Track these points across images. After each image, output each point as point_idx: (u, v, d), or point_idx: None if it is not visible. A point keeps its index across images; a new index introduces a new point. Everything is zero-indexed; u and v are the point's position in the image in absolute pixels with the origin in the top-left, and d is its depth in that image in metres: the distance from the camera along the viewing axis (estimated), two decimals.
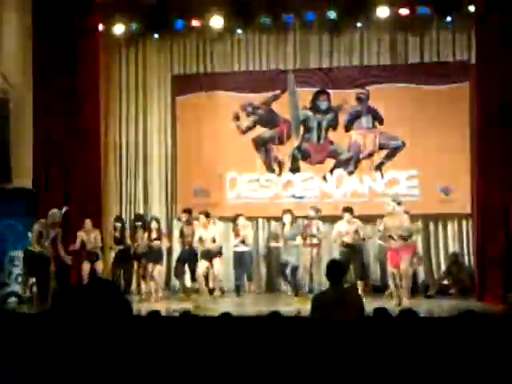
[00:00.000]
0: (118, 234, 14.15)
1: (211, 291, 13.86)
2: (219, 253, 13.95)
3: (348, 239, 13.51)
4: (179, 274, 14.33)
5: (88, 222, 13.65)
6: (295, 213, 14.25)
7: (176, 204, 15.58)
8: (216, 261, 13.82)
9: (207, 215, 14.03)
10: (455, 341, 4.70)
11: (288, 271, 13.77)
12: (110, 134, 15.94)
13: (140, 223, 14.20)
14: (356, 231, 13.56)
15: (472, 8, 13.98)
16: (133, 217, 15.33)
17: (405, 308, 6.14)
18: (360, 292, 12.80)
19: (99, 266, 13.64)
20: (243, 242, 14.15)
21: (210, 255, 13.77)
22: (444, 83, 14.75)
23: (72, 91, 14.27)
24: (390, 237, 12.37)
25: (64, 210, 12.99)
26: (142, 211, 15.75)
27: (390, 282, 12.55)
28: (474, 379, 4.80)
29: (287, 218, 13.99)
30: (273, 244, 14.58)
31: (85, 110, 14.53)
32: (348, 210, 13.79)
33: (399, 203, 12.57)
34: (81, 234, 13.58)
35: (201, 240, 13.74)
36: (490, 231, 13.12)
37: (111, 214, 15.43)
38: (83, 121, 14.43)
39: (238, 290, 14.24)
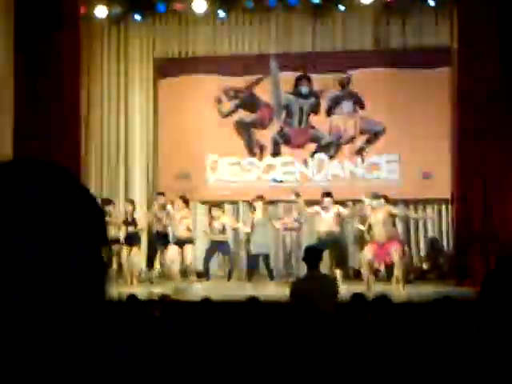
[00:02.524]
0: (129, 217, 13.94)
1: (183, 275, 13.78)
2: (191, 240, 13.80)
3: (324, 227, 13.24)
4: (152, 260, 14.19)
5: None
6: (275, 197, 14.26)
7: (157, 188, 15.55)
8: (187, 248, 13.66)
9: (185, 200, 13.92)
10: (431, 327, 4.75)
11: (261, 262, 13.66)
12: (91, 117, 15.88)
13: (110, 207, 14.05)
14: (337, 216, 13.39)
15: None
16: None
17: (379, 294, 6.20)
18: (339, 279, 12.79)
19: None
20: (220, 231, 13.90)
21: (181, 242, 13.63)
22: (426, 68, 14.79)
23: (53, 74, 14.17)
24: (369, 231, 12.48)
25: None
26: (122, 195, 15.72)
27: (365, 270, 12.47)
28: (452, 365, 4.86)
29: (258, 204, 13.76)
30: (239, 227, 14.46)
31: (66, 93, 14.42)
32: (327, 194, 13.50)
33: (376, 197, 12.60)
34: None
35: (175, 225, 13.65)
36: (469, 216, 13.21)
37: None
38: (64, 104, 14.33)
39: (207, 273, 14.07)
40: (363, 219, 13.55)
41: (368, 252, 12.49)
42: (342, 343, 5.42)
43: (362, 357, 4.53)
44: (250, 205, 14.15)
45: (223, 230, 13.85)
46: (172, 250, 13.65)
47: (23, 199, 1.05)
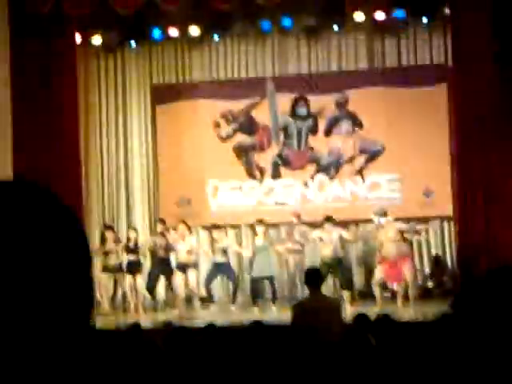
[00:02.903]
0: (131, 244, 13.88)
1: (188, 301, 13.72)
2: (194, 265, 13.75)
3: (328, 251, 13.17)
4: (151, 287, 13.96)
5: None
6: (277, 220, 14.24)
7: (158, 214, 15.52)
8: (191, 272, 13.61)
9: (187, 225, 13.86)
10: (433, 345, 4.71)
11: (263, 285, 13.59)
12: (90, 145, 15.89)
13: (110, 233, 14.03)
14: (339, 240, 13.30)
15: (447, 10, 14.06)
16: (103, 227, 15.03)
17: (381, 314, 6.17)
18: (347, 301, 12.75)
19: None
20: (223, 252, 13.83)
21: (184, 267, 13.57)
22: (422, 86, 14.81)
23: (50, 103, 14.21)
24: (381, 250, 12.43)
25: None
26: (124, 222, 15.72)
27: (377, 292, 12.42)
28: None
29: (260, 228, 13.68)
30: (241, 250, 14.43)
31: (64, 121, 14.45)
32: (329, 219, 13.42)
33: (383, 214, 12.55)
34: None
35: (177, 251, 13.61)
36: (472, 232, 13.17)
37: (93, 225, 15.41)
38: (62, 133, 14.34)
39: (211, 297, 14.00)
40: (373, 239, 13.54)
41: (379, 272, 12.42)
42: (345, 366, 5.39)
43: (365, 378, 4.51)
44: (252, 229, 14.11)
45: (225, 252, 13.80)
46: (177, 276, 13.60)
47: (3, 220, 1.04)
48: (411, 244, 14.48)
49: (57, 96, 14.31)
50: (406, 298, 12.76)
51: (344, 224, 13.98)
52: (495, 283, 1.47)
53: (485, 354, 1.46)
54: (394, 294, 13.14)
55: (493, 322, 1.42)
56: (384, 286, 13.77)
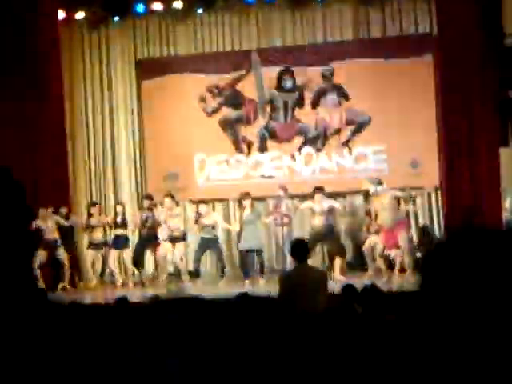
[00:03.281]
0: (119, 219, 13.83)
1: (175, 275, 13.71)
2: (183, 238, 13.78)
3: (319, 221, 13.21)
4: (139, 262, 13.99)
5: (42, 210, 13.28)
6: (264, 193, 14.21)
7: (146, 189, 15.49)
8: (179, 245, 13.62)
9: (172, 197, 13.81)
10: (419, 316, 4.71)
11: (254, 258, 13.53)
12: (75, 121, 15.82)
13: (95, 209, 13.98)
14: (329, 211, 13.31)
15: None
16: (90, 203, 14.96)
17: (368, 284, 6.17)
18: (338, 270, 12.78)
19: (61, 253, 13.42)
20: (210, 228, 13.75)
21: (172, 239, 13.58)
22: (408, 56, 14.77)
23: (35, 80, 14.12)
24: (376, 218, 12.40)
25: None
26: (112, 198, 15.69)
27: (381, 264, 12.42)
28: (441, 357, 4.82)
29: (247, 202, 13.60)
30: (229, 227, 14.38)
31: (49, 98, 14.39)
32: (319, 189, 13.46)
33: (379, 183, 12.49)
34: (36, 223, 13.34)
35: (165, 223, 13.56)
36: (459, 203, 13.20)
37: (81, 200, 15.38)
38: (48, 109, 14.29)
39: (198, 271, 13.95)
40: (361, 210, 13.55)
41: (379, 242, 12.38)
42: (331, 338, 5.38)
43: (349, 350, 4.50)
44: (239, 202, 14.05)
45: (212, 227, 13.76)
46: (163, 248, 13.56)
47: None
48: (406, 212, 14.39)
49: (41, 72, 14.22)
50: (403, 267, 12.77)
51: (332, 196, 13.96)
52: (457, 243, 1.46)
53: (455, 314, 1.45)
54: (391, 264, 13.08)
55: (457, 282, 1.41)
56: (374, 257, 13.79)
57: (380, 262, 12.54)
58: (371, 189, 12.62)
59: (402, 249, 12.28)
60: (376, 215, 12.73)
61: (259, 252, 13.48)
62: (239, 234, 13.90)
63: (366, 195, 14.32)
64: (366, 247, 12.96)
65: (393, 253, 12.83)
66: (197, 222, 13.79)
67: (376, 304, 5.62)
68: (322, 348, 5.08)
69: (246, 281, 13.15)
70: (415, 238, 14.79)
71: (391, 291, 10.65)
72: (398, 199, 12.73)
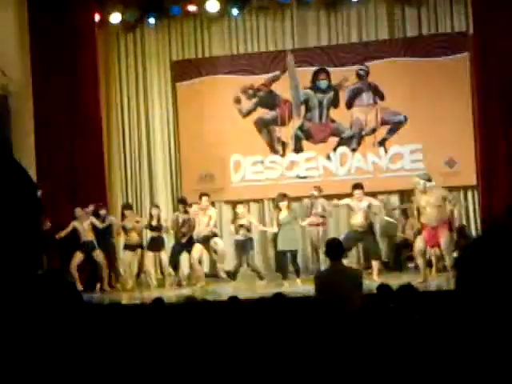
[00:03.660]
0: (154, 221, 13.82)
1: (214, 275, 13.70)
2: (213, 237, 13.66)
3: (358, 220, 13.02)
4: (175, 264, 13.97)
5: (78, 210, 13.47)
6: (299, 193, 14.17)
7: (181, 190, 15.54)
8: (214, 242, 13.57)
9: (206, 196, 13.67)
10: (453, 314, 4.69)
11: (289, 259, 13.43)
12: (111, 123, 15.95)
13: (129, 211, 14.06)
14: (367, 209, 13.14)
15: None
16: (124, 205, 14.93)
17: (404, 284, 6.14)
18: (375, 271, 12.69)
19: (96, 254, 13.52)
20: (245, 229, 13.60)
21: (204, 239, 13.49)
22: (443, 55, 14.68)
23: (71, 83, 14.29)
24: (419, 214, 12.24)
25: (39, 193, 12.79)
26: (147, 200, 15.79)
27: (420, 262, 12.26)
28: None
29: (283, 203, 13.42)
30: (266, 229, 14.31)
31: (85, 101, 14.55)
32: (357, 186, 13.27)
33: (429, 180, 12.30)
34: (73, 223, 13.47)
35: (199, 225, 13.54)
36: (496, 202, 13.10)
37: (117, 202, 15.50)
38: (84, 112, 14.44)
39: (235, 275, 13.94)
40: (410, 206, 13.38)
41: (420, 241, 12.19)
42: (366, 336, 5.38)
43: (378, 348, 4.49)
44: (275, 204, 13.91)
45: (247, 229, 13.69)
46: (196, 249, 13.50)
47: None
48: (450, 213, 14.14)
49: (78, 75, 14.39)
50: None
51: (367, 196, 13.87)
52: (492, 241, 1.46)
53: (488, 311, 1.44)
54: (430, 263, 12.93)
55: (492, 278, 1.41)
56: (411, 257, 13.68)
57: (420, 261, 12.33)
58: (420, 185, 12.30)
59: (443, 248, 12.12)
60: (418, 212, 12.46)
61: (294, 253, 13.42)
62: (275, 236, 13.84)
63: (402, 195, 14.26)
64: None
65: (433, 252, 12.67)
66: (233, 222, 13.74)
67: (410, 304, 5.60)
68: (354, 345, 5.07)
69: (284, 281, 13.08)
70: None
71: (427, 291, 10.61)
72: (444, 199, 12.42)
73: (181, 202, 14.14)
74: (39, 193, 12.60)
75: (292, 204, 13.70)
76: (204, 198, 13.55)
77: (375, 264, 12.99)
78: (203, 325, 6.54)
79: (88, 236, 13.49)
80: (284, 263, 13.48)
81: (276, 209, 13.80)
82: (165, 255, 13.76)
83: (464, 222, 14.68)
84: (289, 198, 13.58)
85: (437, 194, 12.11)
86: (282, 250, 13.45)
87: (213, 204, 14.13)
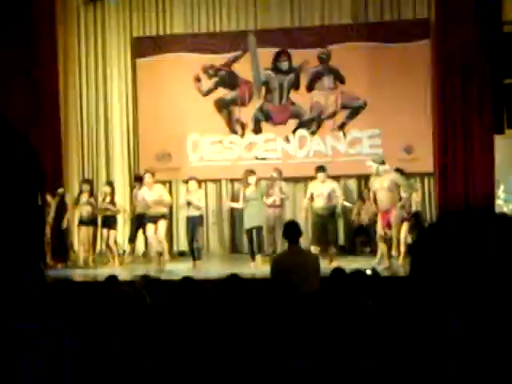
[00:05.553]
0: (108, 199, 13.61)
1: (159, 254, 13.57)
2: (163, 216, 13.33)
3: (321, 203, 12.92)
4: (131, 239, 14.04)
5: None
6: (258, 174, 14.10)
7: (138, 169, 15.42)
8: (161, 224, 13.22)
9: (153, 175, 13.35)
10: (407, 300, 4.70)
11: (254, 235, 13.38)
12: (69, 98, 15.75)
13: (87, 187, 13.87)
14: (330, 193, 13.09)
15: None
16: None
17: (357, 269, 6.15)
18: (331, 257, 12.67)
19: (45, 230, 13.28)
20: (194, 206, 13.38)
21: (154, 218, 13.17)
22: (404, 41, 14.70)
23: (29, 56, 14.05)
24: (375, 199, 12.23)
25: None
26: (104, 175, 15.65)
27: (381, 247, 12.25)
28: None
29: (252, 179, 13.33)
30: (234, 204, 14.16)
31: (43, 73, 14.35)
32: (320, 168, 13.13)
33: (382, 163, 12.28)
34: None
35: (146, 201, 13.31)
36: (452, 189, 13.20)
37: (73, 179, 15.35)
38: (42, 85, 14.25)
39: (193, 254, 13.86)
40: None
41: (379, 226, 12.18)
42: (323, 320, 5.38)
43: (338, 332, 4.50)
44: (243, 181, 13.65)
45: (198, 208, 13.52)
46: (149, 227, 13.33)
47: None
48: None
49: (36, 47, 14.16)
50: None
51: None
52: (445, 227, 1.43)
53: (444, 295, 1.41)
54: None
55: (447, 265, 1.38)
56: (365, 242, 13.74)
57: (381, 246, 12.34)
58: (373, 167, 12.28)
59: (392, 228, 12.11)
60: (375, 196, 12.42)
61: (259, 229, 13.28)
62: (231, 215, 13.79)
63: (360, 179, 14.31)
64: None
65: (388, 233, 12.67)
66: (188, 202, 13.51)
67: (363, 288, 5.61)
68: (308, 329, 5.07)
69: (252, 262, 12.99)
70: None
71: (386, 276, 10.65)
72: (397, 184, 12.38)
73: (136, 180, 14.02)
74: None
75: (258, 181, 13.56)
76: (147, 175, 13.26)
77: (331, 248, 12.97)
78: (156, 304, 6.49)
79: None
80: (250, 241, 13.33)
81: (243, 185, 13.59)
82: (115, 233, 13.65)
83: (419, 209, 14.76)
84: (256, 174, 13.40)
85: (390, 178, 12.10)
86: (249, 228, 13.28)
87: (170, 183, 14.03)
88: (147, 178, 13.17)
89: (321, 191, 12.98)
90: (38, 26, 14.15)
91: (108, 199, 13.56)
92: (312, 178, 13.37)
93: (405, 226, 12.32)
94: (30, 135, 13.82)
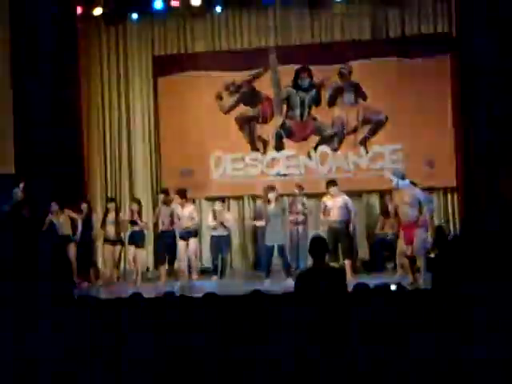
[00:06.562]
0: (135, 215, 13.65)
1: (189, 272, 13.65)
2: (195, 232, 13.68)
3: (333, 217, 13.06)
4: (159, 258, 13.98)
5: (53, 205, 13.22)
6: (280, 191, 14.11)
7: (161, 186, 15.48)
8: (192, 241, 13.52)
9: (183, 194, 13.66)
10: (430, 313, 4.70)
11: (276, 252, 13.29)
12: (92, 117, 15.87)
13: (112, 205, 13.95)
14: (343, 206, 13.15)
15: None
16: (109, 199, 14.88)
17: (380, 283, 6.12)
18: (348, 271, 12.62)
19: (71, 248, 13.35)
20: (221, 225, 13.77)
21: (186, 235, 13.50)
22: (425, 56, 14.70)
23: (52, 77, 14.14)
24: (396, 213, 12.13)
25: (21, 185, 12.67)
26: (127, 195, 15.72)
27: (403, 262, 12.17)
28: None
29: (272, 195, 13.31)
30: (258, 223, 14.19)
31: (66, 95, 14.42)
32: (332, 183, 13.29)
33: (403, 177, 12.20)
34: (49, 218, 13.31)
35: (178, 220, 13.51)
36: (475, 204, 13.14)
37: (96, 196, 15.45)
38: (64, 106, 14.32)
39: (216, 271, 13.91)
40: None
41: (401, 242, 12.07)
42: (348, 333, 5.39)
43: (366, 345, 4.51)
44: (264, 197, 13.71)
45: (224, 226, 13.74)
46: (181, 245, 13.49)
47: None
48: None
49: (58, 68, 14.24)
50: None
51: (347, 195, 13.85)
52: (467, 242, 1.45)
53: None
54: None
55: (468, 280, 1.40)
56: (390, 257, 13.65)
57: (401, 260, 12.24)
58: (394, 181, 12.20)
59: (415, 248, 11.98)
60: (395, 211, 12.32)
61: (281, 246, 13.20)
62: (255, 232, 13.81)
63: (383, 194, 14.26)
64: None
65: (409, 250, 12.57)
66: (215, 218, 13.79)
67: (388, 303, 5.61)
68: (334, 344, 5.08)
69: (267, 279, 12.96)
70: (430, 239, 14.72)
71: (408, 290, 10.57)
72: (419, 201, 12.27)
73: (163, 193, 14.09)
74: (21, 185, 12.57)
75: (280, 197, 13.62)
76: (176, 196, 13.51)
77: (347, 263, 12.95)
78: (182, 319, 6.53)
79: (65, 230, 13.36)
80: (269, 258, 13.30)
81: (264, 201, 13.63)
82: (143, 251, 13.75)
83: (443, 223, 14.71)
84: (277, 190, 13.46)
85: (411, 194, 12.00)
86: (271, 245, 13.24)
87: (193, 201, 14.13)
88: (176, 198, 13.48)
89: (333, 205, 13.04)
90: (60, 49, 14.20)
91: (136, 216, 13.62)
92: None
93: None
94: (54, 155, 13.98)
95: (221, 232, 13.80)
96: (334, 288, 7.02)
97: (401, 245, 12.10)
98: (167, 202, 13.70)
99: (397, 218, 12.29)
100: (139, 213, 13.74)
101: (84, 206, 13.76)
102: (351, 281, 10.35)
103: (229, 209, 15.14)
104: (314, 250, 7.40)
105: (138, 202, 13.97)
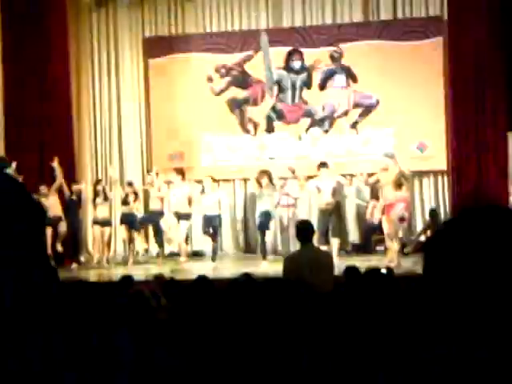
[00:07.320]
0: (130, 197, 13.70)
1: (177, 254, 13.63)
2: (187, 215, 13.58)
3: (325, 198, 12.97)
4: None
5: (43, 188, 13.18)
6: (272, 174, 14.07)
7: (151, 168, 15.42)
8: (183, 223, 13.47)
9: (182, 173, 13.66)
10: (419, 300, 4.69)
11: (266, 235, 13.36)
12: (82, 99, 15.78)
13: (100, 187, 13.92)
14: (334, 187, 13.10)
15: None
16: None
17: (370, 268, 6.10)
18: (335, 250, 12.61)
19: (62, 228, 13.35)
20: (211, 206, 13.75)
21: (178, 216, 13.42)
22: (417, 39, 14.68)
23: (42, 57, 14.07)
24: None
25: (13, 165, 12.61)
26: (117, 176, 15.66)
27: (390, 244, 12.17)
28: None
29: (264, 180, 13.31)
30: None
31: (55, 75, 14.35)
32: (323, 165, 13.22)
33: (392, 156, 12.28)
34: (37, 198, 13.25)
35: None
36: (466, 187, 13.16)
37: (86, 178, 15.39)
38: (54, 86, 14.25)
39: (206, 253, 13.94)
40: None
41: (385, 224, 12.09)
42: (337, 318, 5.36)
43: (355, 330, 4.48)
44: (256, 180, 13.65)
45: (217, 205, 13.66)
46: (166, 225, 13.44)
47: None
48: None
49: (48, 49, 14.17)
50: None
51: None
52: (461, 225, 1.42)
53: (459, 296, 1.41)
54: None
55: (461, 263, 1.37)
56: (380, 241, 13.65)
57: (389, 244, 12.27)
58: (386, 162, 12.23)
59: (391, 219, 11.99)
60: (382, 188, 12.35)
61: (269, 218, 13.26)
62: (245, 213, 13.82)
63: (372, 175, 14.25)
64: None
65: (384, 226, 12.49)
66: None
67: (378, 287, 5.58)
68: (323, 328, 5.05)
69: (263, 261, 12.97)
70: (421, 222, 14.76)
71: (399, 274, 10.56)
72: (404, 178, 12.30)
73: (149, 173, 14.07)
74: (13, 165, 12.50)
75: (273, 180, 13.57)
76: (174, 175, 13.49)
77: (335, 242, 12.92)
78: (172, 303, 6.50)
79: (56, 211, 13.31)
80: (263, 240, 13.29)
81: (257, 184, 13.57)
82: (134, 231, 13.74)
83: (434, 206, 14.73)
84: (270, 174, 13.41)
85: (396, 173, 12.06)
86: (262, 211, 13.26)
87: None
88: (173, 177, 13.54)
89: (324, 187, 13.01)
90: (49, 29, 14.15)
91: (132, 198, 13.59)
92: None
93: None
94: (43, 135, 13.91)
95: (213, 212, 13.55)
96: (322, 271, 7.05)
97: (386, 230, 12.16)
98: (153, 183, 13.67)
99: (383, 196, 12.36)
100: (135, 194, 13.70)
101: (74, 187, 13.72)
102: (338, 262, 10.41)
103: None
104: (300, 234, 7.43)
105: (131, 185, 13.92)
